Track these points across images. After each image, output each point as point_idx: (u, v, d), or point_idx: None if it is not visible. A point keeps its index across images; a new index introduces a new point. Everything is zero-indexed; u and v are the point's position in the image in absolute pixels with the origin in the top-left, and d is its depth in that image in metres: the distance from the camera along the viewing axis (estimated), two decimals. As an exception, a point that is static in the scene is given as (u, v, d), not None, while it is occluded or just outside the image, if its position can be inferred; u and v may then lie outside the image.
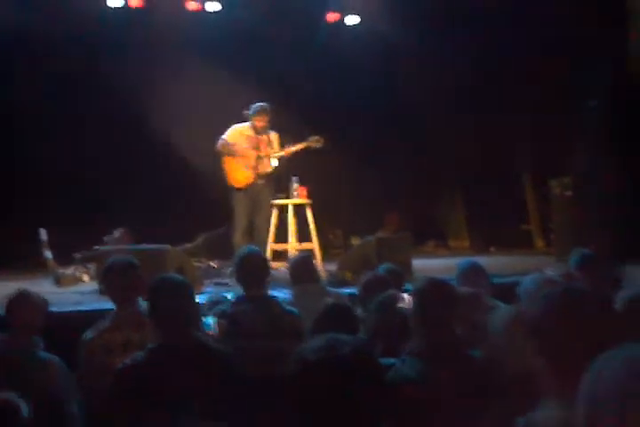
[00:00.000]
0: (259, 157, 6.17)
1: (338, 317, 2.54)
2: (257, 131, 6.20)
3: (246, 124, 6.26)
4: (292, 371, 1.30)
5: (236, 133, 6.24)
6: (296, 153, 6.22)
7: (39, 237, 6.86)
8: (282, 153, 6.19)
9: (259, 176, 6.17)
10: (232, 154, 6.14)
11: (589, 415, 1.05)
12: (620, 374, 1.03)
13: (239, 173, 6.17)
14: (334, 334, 1.34)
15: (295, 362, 1.31)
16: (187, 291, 2.40)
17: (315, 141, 6.16)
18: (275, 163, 6.23)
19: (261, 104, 6.19)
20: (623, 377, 1.02)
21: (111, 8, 7.61)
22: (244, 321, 2.94)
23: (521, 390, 1.74)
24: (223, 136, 6.21)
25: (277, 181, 6.43)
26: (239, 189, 6.16)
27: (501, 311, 2.24)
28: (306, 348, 1.31)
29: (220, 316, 3.00)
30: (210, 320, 2.92)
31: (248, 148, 6.18)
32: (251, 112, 6.18)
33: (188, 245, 7.36)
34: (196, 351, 2.26)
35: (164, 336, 2.28)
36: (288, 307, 3.14)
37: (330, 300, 2.79)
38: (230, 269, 6.30)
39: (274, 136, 6.29)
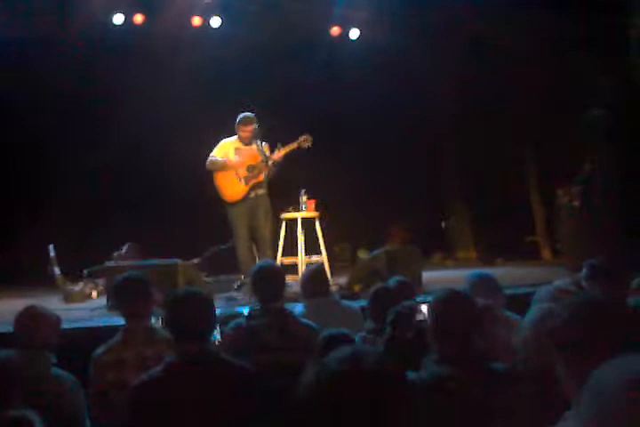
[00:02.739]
0: (250, 167, 6.05)
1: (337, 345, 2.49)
2: (243, 142, 6.09)
3: (234, 137, 6.16)
4: (314, 381, 1.29)
5: (225, 148, 6.13)
6: (286, 155, 6.06)
7: (48, 253, 6.88)
8: (272, 158, 6.02)
9: (252, 187, 6.06)
10: (221, 170, 6.05)
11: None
12: (619, 386, 1.03)
13: (232, 187, 6.06)
14: (357, 346, 1.33)
15: (319, 373, 1.29)
16: (206, 303, 2.40)
17: (303, 141, 6.02)
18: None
19: (246, 114, 6.09)
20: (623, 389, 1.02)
21: (116, 25, 7.66)
22: (260, 334, 2.92)
23: (545, 402, 1.73)
24: (212, 153, 6.10)
25: (272, 186, 6.25)
26: (235, 203, 6.05)
27: (524, 322, 2.21)
28: (330, 359, 1.30)
29: (234, 329, 2.99)
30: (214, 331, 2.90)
31: (238, 160, 6.07)
32: (236, 122, 6.08)
33: (196, 260, 7.36)
34: (214, 365, 2.25)
35: (183, 349, 2.27)
36: (304, 320, 3.13)
37: (327, 331, 2.73)
38: (237, 283, 6.32)
39: (264, 146, 6.11)
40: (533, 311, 2.17)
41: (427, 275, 6.33)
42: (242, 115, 6.10)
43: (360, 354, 1.26)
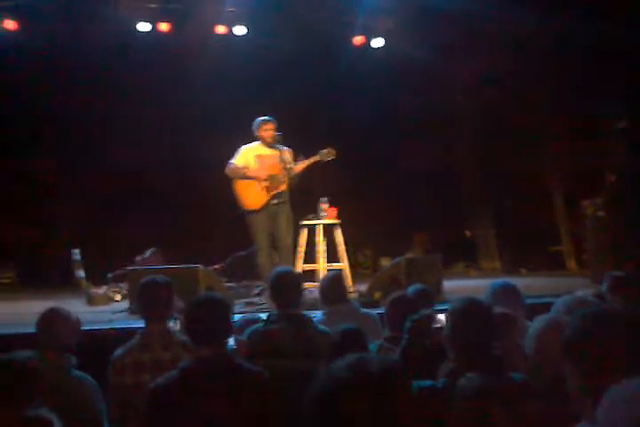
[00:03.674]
0: (270, 177, 5.94)
1: (349, 343, 2.47)
2: (267, 143, 5.96)
3: (256, 143, 6.04)
4: (320, 388, 1.28)
5: (246, 154, 6.01)
6: (308, 167, 5.98)
7: (72, 257, 6.97)
8: (293, 170, 5.91)
9: (273, 196, 5.95)
10: (242, 177, 5.96)
11: None
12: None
13: (252, 196, 5.95)
14: (364, 354, 1.32)
15: (325, 380, 1.28)
16: (224, 308, 2.41)
17: (326, 155, 5.90)
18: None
19: (263, 117, 6.02)
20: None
21: (140, 32, 7.75)
22: (277, 340, 2.92)
23: (560, 413, 1.70)
24: (232, 160, 6.00)
25: (293, 193, 6.14)
26: (255, 211, 5.95)
27: (533, 330, 2.18)
28: (336, 365, 1.29)
29: (252, 334, 2.99)
30: (230, 338, 2.90)
31: (259, 168, 5.96)
32: (255, 126, 5.99)
33: (217, 266, 7.40)
34: (230, 370, 2.26)
35: (199, 353, 2.28)
36: (321, 326, 3.11)
37: (342, 326, 2.70)
38: (257, 289, 6.33)
39: (287, 152, 6.01)
40: (536, 324, 2.13)
41: (449, 284, 6.28)
42: (259, 118, 6.04)
43: (366, 361, 1.25)
